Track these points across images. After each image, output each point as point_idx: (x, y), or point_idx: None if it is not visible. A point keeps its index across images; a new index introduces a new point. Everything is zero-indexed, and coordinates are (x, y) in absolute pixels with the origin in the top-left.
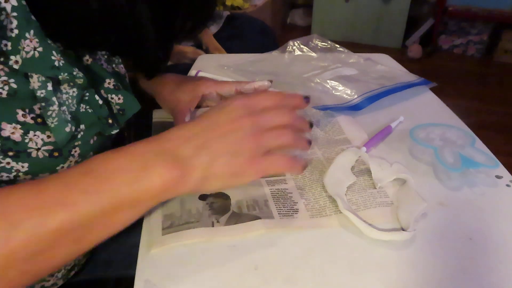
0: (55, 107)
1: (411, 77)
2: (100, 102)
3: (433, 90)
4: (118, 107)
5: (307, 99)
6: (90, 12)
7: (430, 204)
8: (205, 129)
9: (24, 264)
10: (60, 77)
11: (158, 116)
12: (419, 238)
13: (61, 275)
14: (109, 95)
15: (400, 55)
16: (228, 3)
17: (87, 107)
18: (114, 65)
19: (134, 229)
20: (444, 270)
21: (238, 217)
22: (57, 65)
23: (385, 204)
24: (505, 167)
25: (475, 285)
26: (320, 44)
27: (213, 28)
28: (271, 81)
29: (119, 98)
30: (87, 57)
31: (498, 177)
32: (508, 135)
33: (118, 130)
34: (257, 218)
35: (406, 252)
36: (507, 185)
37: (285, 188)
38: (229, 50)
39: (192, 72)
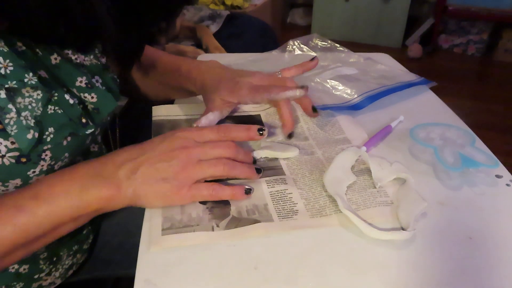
0: (13, 114)
1: (411, 77)
2: (71, 101)
3: (433, 89)
4: (92, 106)
5: (261, 131)
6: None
7: (430, 203)
8: (142, 155)
9: None
10: (6, 85)
11: (157, 113)
12: (419, 238)
13: (59, 274)
14: (81, 94)
15: (400, 54)
16: (228, 2)
17: (56, 108)
18: (92, 56)
19: (134, 229)
20: (444, 269)
21: (238, 222)
22: (3, 72)
23: (385, 203)
24: (505, 166)
25: (475, 284)
26: (320, 43)
27: (213, 28)
28: (306, 88)
29: (92, 97)
30: (55, 55)
31: (498, 176)
32: (508, 134)
33: (93, 130)
34: (256, 221)
35: (406, 252)
36: (507, 185)
37: (284, 189)
38: (229, 49)
39: None
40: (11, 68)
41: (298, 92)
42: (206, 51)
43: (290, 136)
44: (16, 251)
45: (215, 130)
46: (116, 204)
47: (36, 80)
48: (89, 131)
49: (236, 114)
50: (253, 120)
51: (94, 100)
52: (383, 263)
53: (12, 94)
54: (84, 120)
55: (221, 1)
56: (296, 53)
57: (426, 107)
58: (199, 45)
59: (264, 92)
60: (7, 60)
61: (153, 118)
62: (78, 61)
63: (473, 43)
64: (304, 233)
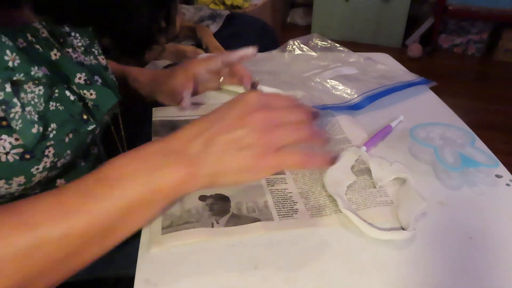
0: (18, 108)
1: (411, 77)
2: (72, 98)
3: (433, 89)
4: (92, 102)
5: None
6: None
7: (430, 203)
8: (213, 125)
9: (61, 264)
10: (15, 78)
11: (157, 114)
12: (419, 238)
13: None
14: (81, 91)
15: (400, 54)
16: (228, 2)
17: (58, 104)
18: (92, 57)
19: None
20: (444, 269)
21: (237, 219)
22: (11, 65)
23: (385, 203)
24: (505, 166)
25: (475, 284)
26: (320, 43)
27: (213, 28)
28: (255, 48)
29: (91, 94)
30: (55, 51)
31: (498, 176)
32: (508, 134)
33: (94, 126)
34: (256, 220)
35: (406, 251)
36: (507, 184)
37: (285, 188)
38: (229, 49)
39: None
40: (18, 61)
41: (250, 50)
42: (206, 51)
43: (253, 86)
44: (92, 245)
45: (286, 98)
46: (191, 185)
47: (42, 73)
48: (90, 127)
49: None
50: None
51: (93, 96)
52: (383, 263)
53: (16, 88)
54: (85, 117)
55: (221, 1)
56: (296, 53)
57: (426, 107)
58: (199, 45)
59: (217, 56)
60: (14, 54)
61: (153, 119)
62: (78, 60)
63: (473, 43)
64: (304, 233)
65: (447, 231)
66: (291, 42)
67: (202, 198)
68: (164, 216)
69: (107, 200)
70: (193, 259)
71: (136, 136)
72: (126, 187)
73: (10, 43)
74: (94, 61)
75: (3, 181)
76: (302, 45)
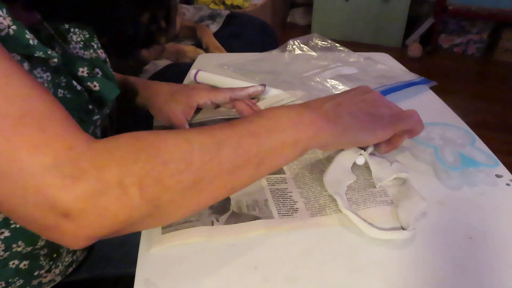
0: None
1: (411, 76)
2: (79, 88)
3: (433, 89)
4: (96, 94)
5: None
6: None
7: (430, 203)
8: (337, 96)
9: (227, 176)
10: (36, 55)
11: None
12: (419, 237)
13: (59, 271)
14: (85, 83)
15: (400, 54)
16: (228, 2)
17: (66, 92)
18: (92, 51)
19: None
20: (444, 269)
21: (238, 217)
22: (31, 43)
23: (385, 203)
24: (505, 166)
25: (475, 284)
26: (320, 43)
27: (213, 27)
28: (264, 85)
29: (94, 86)
30: (57, 48)
31: (498, 176)
32: (508, 134)
33: (99, 116)
34: (256, 218)
35: (406, 251)
36: (507, 184)
37: (285, 188)
38: (229, 49)
39: (192, 72)
40: (36, 41)
41: (260, 88)
42: (206, 50)
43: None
44: (250, 164)
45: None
46: (323, 137)
47: (56, 54)
48: (95, 117)
49: (236, 115)
50: None
51: (97, 88)
52: (383, 263)
53: (31, 67)
54: (90, 107)
55: (221, 1)
56: (296, 52)
57: (426, 106)
58: (199, 44)
59: (226, 91)
60: (32, 34)
61: (154, 124)
62: (78, 54)
63: (473, 42)
64: (304, 233)
65: (447, 231)
66: (291, 42)
67: None
68: None
69: (268, 129)
70: (193, 259)
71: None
72: (280, 123)
73: (26, 28)
74: (94, 55)
75: None
76: (302, 45)
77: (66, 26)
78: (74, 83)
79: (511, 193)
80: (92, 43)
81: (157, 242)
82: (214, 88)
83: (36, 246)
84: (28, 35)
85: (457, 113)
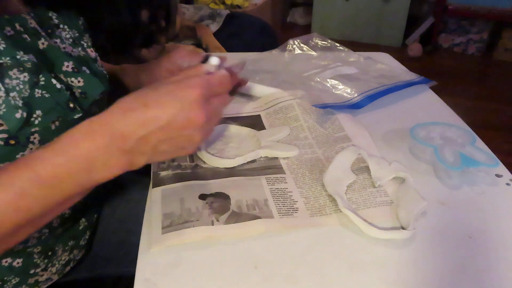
0: (1, 93)
1: (411, 76)
2: (58, 86)
3: (433, 88)
4: (79, 90)
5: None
6: None
7: (430, 202)
8: (158, 130)
9: (9, 238)
10: (0, 61)
11: None
12: (419, 237)
13: (56, 270)
14: (68, 79)
15: (400, 53)
16: (228, 1)
17: (44, 92)
18: (80, 49)
19: (134, 228)
20: (444, 268)
21: (238, 217)
22: None
23: (385, 203)
24: (505, 166)
25: (474, 283)
26: (320, 42)
27: (213, 27)
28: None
29: (78, 81)
30: (42, 40)
31: (498, 175)
32: (508, 133)
33: (81, 115)
34: (256, 217)
35: (406, 251)
36: (507, 184)
37: (285, 188)
38: (229, 48)
39: None
40: (4, 46)
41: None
42: (206, 50)
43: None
44: (21, 230)
45: (226, 81)
46: (124, 174)
47: (27, 58)
48: (77, 116)
49: (236, 115)
50: (253, 120)
51: (81, 84)
52: (383, 262)
53: (0, 74)
54: (71, 105)
55: (221, 1)
56: (296, 52)
57: (426, 106)
58: (199, 44)
59: (201, 56)
60: (0, 39)
61: None
62: (65, 50)
63: (473, 42)
64: (304, 233)
65: (447, 230)
66: (291, 41)
67: (202, 196)
68: (164, 215)
69: (44, 200)
70: (193, 259)
71: None
72: (62, 188)
73: None
74: (82, 53)
75: None
76: (302, 45)
77: (56, 21)
78: (54, 81)
79: (511, 192)
80: (82, 42)
81: (157, 242)
82: (195, 51)
83: (28, 244)
84: None
85: (457, 112)
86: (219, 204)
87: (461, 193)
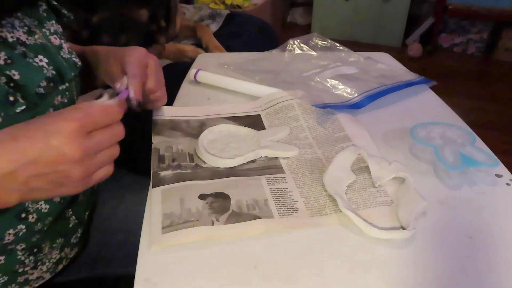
0: None
1: (411, 76)
2: None
3: (433, 88)
4: (18, 82)
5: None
6: None
7: (430, 202)
8: (26, 165)
9: None
10: None
11: (157, 113)
12: (419, 237)
13: (46, 268)
14: (6, 72)
15: (400, 53)
16: (228, 1)
17: None
18: (37, 36)
19: (134, 228)
20: (444, 268)
21: (238, 216)
22: None
23: (385, 203)
24: (505, 165)
25: (474, 283)
26: (320, 42)
27: (213, 27)
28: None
29: (13, 74)
30: None
31: (498, 175)
32: (508, 133)
33: (24, 107)
34: (256, 217)
35: (406, 251)
36: (507, 184)
37: (285, 187)
38: (229, 48)
39: (192, 71)
40: None
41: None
42: (206, 50)
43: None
44: None
45: (109, 114)
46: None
47: None
48: (19, 109)
49: (236, 115)
50: (253, 120)
51: (17, 77)
52: (383, 262)
53: None
54: (11, 98)
55: (221, 0)
56: (296, 52)
57: (426, 106)
58: (199, 44)
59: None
60: None
61: (153, 117)
62: (13, 39)
63: (473, 42)
64: (304, 232)
65: (447, 230)
66: (291, 41)
67: (202, 196)
68: (164, 215)
69: None
70: (193, 259)
71: (130, 146)
72: None
73: None
74: (39, 41)
75: None
76: (302, 45)
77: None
78: None
79: (511, 192)
80: (44, 30)
81: (157, 242)
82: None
83: (5, 242)
84: None
85: (457, 112)
86: (219, 204)
87: (461, 193)
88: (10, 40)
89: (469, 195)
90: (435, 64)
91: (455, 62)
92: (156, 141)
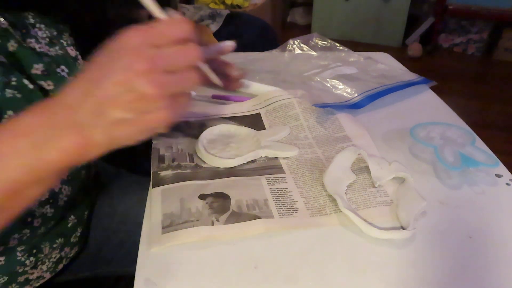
0: None
1: (411, 76)
2: (31, 87)
3: (433, 88)
4: (50, 93)
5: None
6: None
7: (430, 202)
8: (97, 86)
9: None
10: None
11: None
12: (419, 237)
13: (47, 268)
14: (39, 82)
15: (400, 53)
16: (228, 1)
17: (15, 92)
18: (58, 48)
19: (134, 228)
20: (443, 268)
21: (238, 216)
22: None
23: (385, 203)
24: (505, 165)
25: (474, 283)
26: (320, 42)
27: (213, 27)
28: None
29: (48, 85)
30: (12, 42)
31: (498, 175)
32: (508, 133)
33: None
34: (256, 217)
35: (406, 251)
36: (507, 184)
37: (285, 188)
38: None
39: None
40: None
41: (228, 43)
42: None
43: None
44: None
45: (177, 27)
46: (86, 155)
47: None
48: None
49: (235, 115)
50: (253, 120)
51: (51, 87)
52: (383, 262)
53: None
54: None
55: (221, 0)
56: (296, 52)
57: (426, 106)
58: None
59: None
60: None
61: None
62: (41, 50)
63: (473, 42)
64: (304, 232)
65: (447, 230)
66: (291, 41)
67: (202, 196)
68: (164, 215)
69: None
70: (193, 259)
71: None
72: (8, 168)
73: None
74: (60, 52)
75: None
76: (302, 45)
77: (32, 20)
78: (26, 82)
79: (511, 192)
80: (61, 41)
81: (157, 242)
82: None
83: (9, 245)
84: None
85: (457, 112)
86: (219, 204)
87: (461, 193)
88: (38, 50)
89: (469, 195)
90: (435, 64)
91: (455, 62)
92: (156, 141)
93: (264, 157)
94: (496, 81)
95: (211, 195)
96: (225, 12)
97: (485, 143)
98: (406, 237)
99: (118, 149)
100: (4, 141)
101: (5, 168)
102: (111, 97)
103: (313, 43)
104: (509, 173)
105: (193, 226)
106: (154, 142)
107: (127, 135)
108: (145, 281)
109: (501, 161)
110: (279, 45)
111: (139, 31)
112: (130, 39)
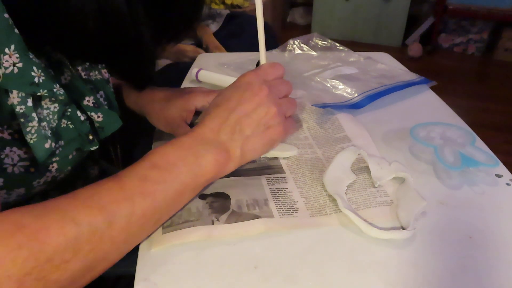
0: (35, 123)
1: (411, 76)
2: (82, 118)
3: (433, 88)
4: (98, 124)
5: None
6: (87, 22)
7: (430, 202)
8: (232, 112)
9: (122, 245)
10: (39, 93)
11: None
12: (419, 237)
13: None
14: (89, 113)
15: (400, 53)
16: (228, 1)
17: (69, 122)
18: (97, 72)
19: None
20: (444, 268)
21: (238, 216)
22: (36, 81)
23: (385, 203)
24: (505, 166)
25: (475, 284)
26: (320, 42)
27: (213, 27)
28: None
29: (98, 116)
30: (65, 75)
31: (498, 175)
32: (508, 133)
33: (97, 147)
34: (257, 217)
35: (406, 251)
36: (507, 184)
37: (285, 187)
38: (229, 48)
39: (194, 71)
40: (43, 78)
41: None
42: (206, 50)
43: None
44: (149, 225)
45: (274, 69)
46: (229, 167)
47: (63, 91)
48: (93, 147)
49: None
50: None
51: (100, 119)
52: (383, 262)
53: (35, 103)
54: (90, 137)
55: (221, 0)
56: (296, 52)
57: (426, 106)
58: (199, 44)
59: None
60: (40, 71)
61: (156, 130)
62: (86, 77)
63: (473, 42)
64: (304, 233)
65: (447, 231)
66: (291, 41)
67: (202, 196)
68: None
69: (164, 184)
70: (193, 259)
71: (132, 147)
72: (177, 172)
73: (37, 60)
74: (98, 76)
75: (4, 191)
76: (302, 45)
77: None
78: (79, 113)
79: (511, 192)
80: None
81: (157, 242)
82: (211, 90)
83: None
84: (35, 72)
85: (457, 112)
86: (219, 203)
87: (461, 193)
88: (84, 77)
89: (469, 195)
90: (435, 64)
91: (455, 62)
92: (157, 142)
93: (264, 157)
94: (496, 81)
95: (211, 194)
96: (225, 12)
97: (485, 143)
98: (406, 237)
99: (120, 149)
100: (173, 153)
101: (178, 173)
102: (244, 117)
103: (313, 43)
104: (509, 173)
105: (193, 226)
106: (154, 143)
107: (255, 148)
108: (145, 281)
109: (501, 161)
110: (279, 45)
111: (254, 73)
112: (249, 78)
